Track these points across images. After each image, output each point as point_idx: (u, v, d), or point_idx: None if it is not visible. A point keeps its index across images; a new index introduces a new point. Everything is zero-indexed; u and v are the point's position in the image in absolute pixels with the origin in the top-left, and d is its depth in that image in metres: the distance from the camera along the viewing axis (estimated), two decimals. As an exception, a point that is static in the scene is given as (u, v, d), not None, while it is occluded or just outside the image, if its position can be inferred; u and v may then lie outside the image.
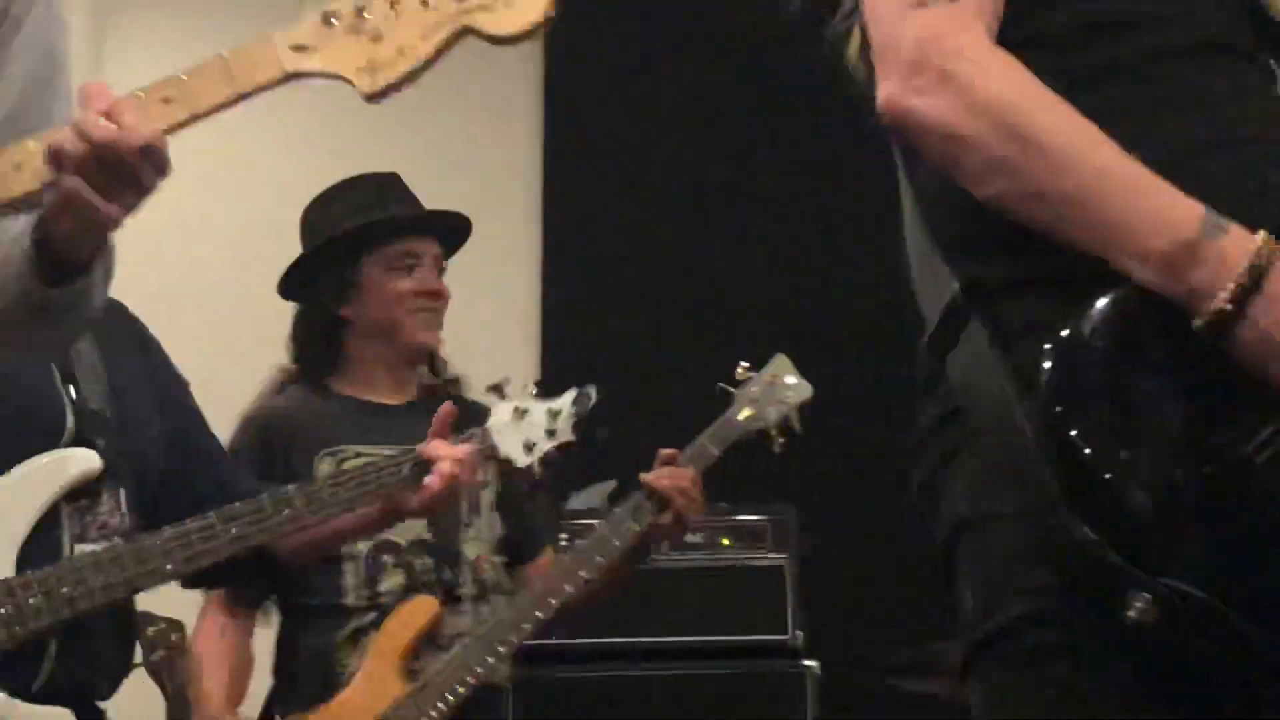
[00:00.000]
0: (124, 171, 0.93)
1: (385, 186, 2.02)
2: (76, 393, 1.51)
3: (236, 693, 1.87)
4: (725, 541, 2.45)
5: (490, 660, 1.78)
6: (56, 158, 0.93)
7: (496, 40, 0.95)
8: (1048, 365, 0.86)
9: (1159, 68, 0.93)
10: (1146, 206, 0.84)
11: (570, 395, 1.74)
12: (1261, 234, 0.83)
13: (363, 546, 1.84)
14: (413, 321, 1.92)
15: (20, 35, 1.09)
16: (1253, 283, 0.82)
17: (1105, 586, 0.83)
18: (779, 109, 3.34)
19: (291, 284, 1.99)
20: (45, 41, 1.09)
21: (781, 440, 2.02)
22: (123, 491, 1.53)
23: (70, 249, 0.99)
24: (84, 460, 1.46)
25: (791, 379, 2.05)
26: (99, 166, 0.92)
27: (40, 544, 1.42)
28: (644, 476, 1.93)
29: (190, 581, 1.66)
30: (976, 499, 0.93)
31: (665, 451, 1.96)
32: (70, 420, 1.48)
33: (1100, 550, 0.82)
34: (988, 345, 0.90)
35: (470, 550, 1.90)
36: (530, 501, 2.06)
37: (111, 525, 1.51)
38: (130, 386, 1.55)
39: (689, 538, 2.29)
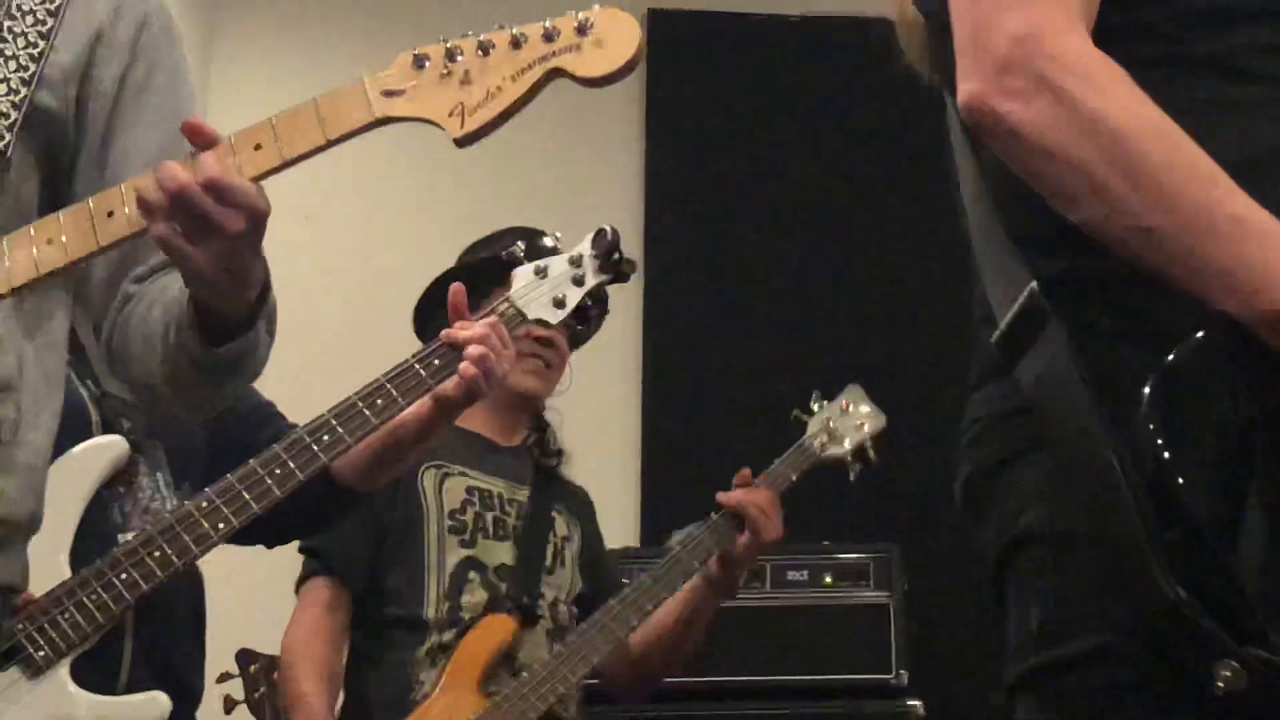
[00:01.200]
0: (205, 218, 0.91)
1: (526, 235, 1.91)
2: (95, 384, 1.49)
3: (332, 695, 1.85)
4: (828, 580, 2.44)
5: (562, 689, 1.75)
6: (143, 205, 0.93)
7: (587, 83, 0.94)
8: (1150, 398, 0.78)
9: (1270, 63, 0.86)
10: (1257, 259, 0.78)
11: (589, 237, 1.61)
12: None
13: (451, 559, 1.84)
14: (517, 366, 1.81)
15: (148, 104, 1.11)
16: None
17: (1192, 651, 0.77)
18: (861, 157, 3.42)
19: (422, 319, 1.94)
20: (175, 112, 1.08)
21: (858, 467, 2.01)
22: (160, 475, 1.52)
23: (222, 304, 0.98)
24: (113, 445, 1.43)
25: (865, 408, 2.05)
26: (181, 213, 0.91)
27: (89, 539, 1.38)
28: (721, 496, 1.91)
29: (250, 537, 1.52)
30: (1051, 511, 0.85)
31: (742, 472, 1.95)
32: (93, 411, 1.47)
33: (1195, 613, 0.76)
34: (1068, 352, 0.82)
35: (549, 593, 1.90)
36: (607, 562, 2.07)
37: (154, 509, 1.49)
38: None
39: (792, 575, 2.28)
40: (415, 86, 0.94)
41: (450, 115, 0.93)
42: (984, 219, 0.92)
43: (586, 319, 1.68)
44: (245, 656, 1.89)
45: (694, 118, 3.58)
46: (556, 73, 0.93)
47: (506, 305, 1.56)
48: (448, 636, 1.80)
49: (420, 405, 1.48)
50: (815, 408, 2.05)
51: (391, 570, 1.84)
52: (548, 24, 0.92)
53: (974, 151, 0.92)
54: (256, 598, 2.21)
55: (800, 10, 3.65)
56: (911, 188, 3.13)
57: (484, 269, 1.82)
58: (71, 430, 1.34)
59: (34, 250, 0.95)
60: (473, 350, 1.45)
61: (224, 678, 1.91)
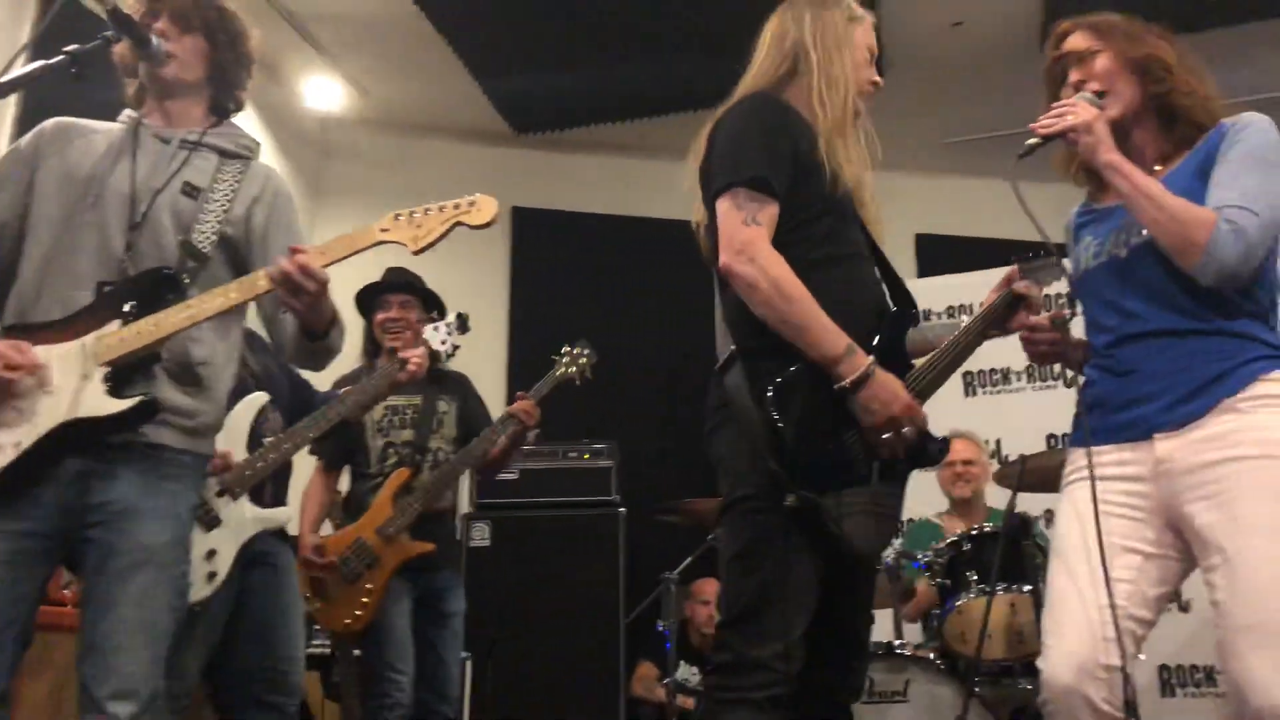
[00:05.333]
0: (301, 285, 1.85)
1: (399, 271, 3.56)
2: (251, 374, 2.81)
3: (318, 520, 3.37)
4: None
5: (435, 493, 3.31)
6: (271, 279, 1.87)
7: (472, 227, 1.89)
8: (770, 392, 1.82)
9: (838, 263, 1.93)
10: (827, 336, 1.81)
11: (453, 318, 3.11)
12: (870, 358, 1.81)
13: (379, 443, 3.41)
14: (383, 335, 3.45)
15: (278, 235, 2.07)
16: (863, 377, 1.80)
17: (780, 490, 1.78)
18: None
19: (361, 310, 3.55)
20: (289, 238, 2.06)
21: (577, 381, 3.52)
22: (276, 412, 2.87)
23: (312, 323, 1.99)
24: (260, 397, 2.68)
25: (588, 353, 3.55)
26: (288, 283, 1.86)
27: (253, 439, 2.62)
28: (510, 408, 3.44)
29: (314, 445, 3.08)
30: (730, 445, 1.91)
31: (521, 394, 3.45)
32: (251, 382, 2.77)
33: (780, 474, 1.78)
34: (743, 372, 1.87)
35: (433, 444, 3.45)
36: (477, 417, 3.56)
37: (275, 425, 2.82)
38: (274, 372, 3.00)
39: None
40: (395, 226, 1.92)
41: (410, 239, 1.91)
42: (727, 319, 1.97)
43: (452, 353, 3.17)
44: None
45: (546, 287, 5.98)
46: (458, 222, 1.90)
47: (426, 342, 3.08)
48: (378, 482, 3.36)
49: (390, 385, 3.01)
50: (564, 350, 3.58)
51: (356, 454, 3.47)
52: (458, 200, 1.91)
53: (722, 290, 1.95)
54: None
55: (634, 212, 6.10)
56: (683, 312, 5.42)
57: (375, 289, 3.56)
58: (242, 390, 2.59)
59: (218, 299, 1.91)
60: (414, 361, 2.95)
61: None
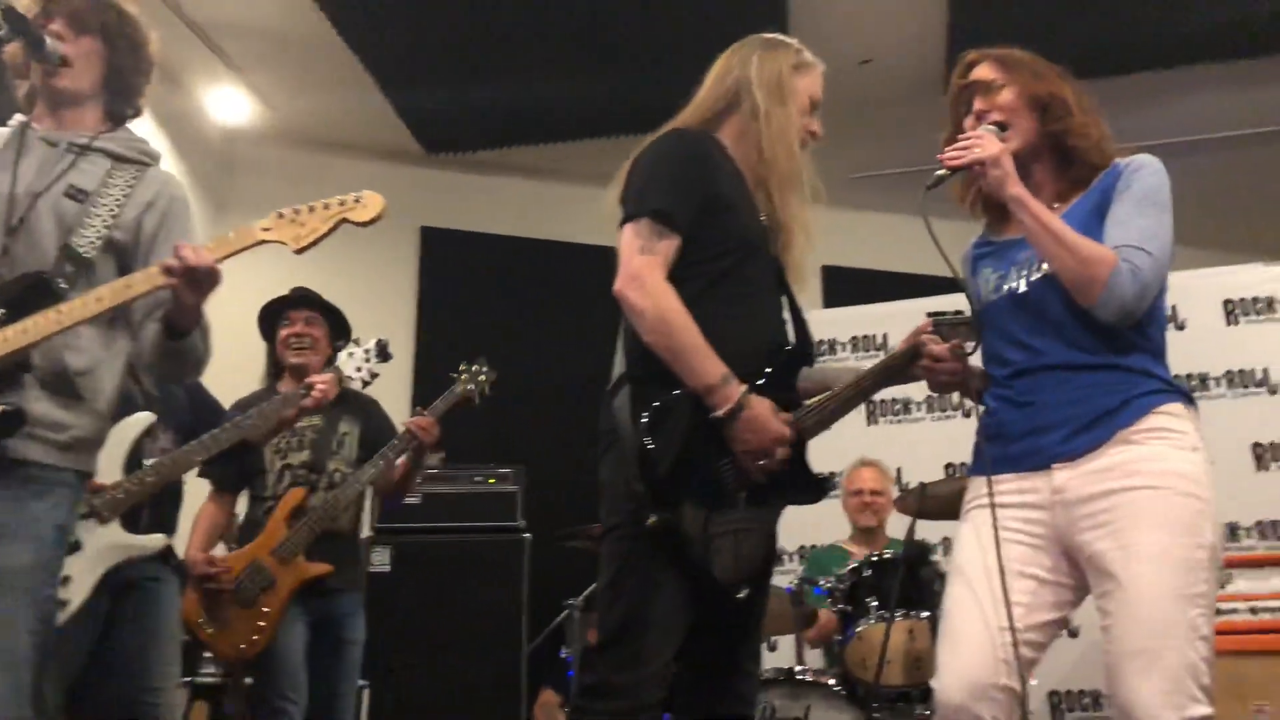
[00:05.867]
0: (196, 280, 1.78)
1: (302, 290, 3.56)
2: (140, 384, 2.67)
3: (210, 544, 3.26)
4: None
5: (334, 513, 3.23)
6: (166, 270, 1.78)
7: (358, 224, 1.83)
8: (645, 416, 1.89)
9: (737, 300, 1.98)
10: (704, 365, 1.88)
11: (373, 344, 3.12)
12: (744, 386, 1.87)
13: (279, 464, 3.32)
14: (287, 352, 3.42)
15: (168, 239, 1.92)
16: (739, 406, 1.86)
17: (643, 511, 1.84)
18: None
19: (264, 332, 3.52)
20: (182, 239, 1.90)
21: (476, 401, 3.48)
22: (167, 431, 2.77)
23: (180, 322, 1.87)
24: (147, 416, 2.62)
25: (486, 371, 3.52)
26: (186, 277, 1.77)
27: (132, 460, 2.57)
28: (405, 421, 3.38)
29: (204, 468, 3.02)
30: (611, 470, 1.95)
31: (418, 410, 3.39)
32: (140, 399, 2.65)
33: (643, 495, 1.83)
34: (629, 394, 1.92)
35: (331, 465, 3.37)
36: (382, 437, 3.47)
37: (165, 449, 2.73)
38: (174, 391, 2.90)
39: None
40: (277, 225, 1.85)
41: (292, 239, 1.84)
42: (623, 343, 2.02)
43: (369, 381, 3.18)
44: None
45: (454, 308, 5.94)
46: (344, 219, 1.84)
47: (337, 368, 3.12)
48: (272, 505, 3.28)
49: (293, 412, 3.00)
50: (462, 368, 3.54)
51: (254, 477, 3.37)
52: (341, 197, 1.85)
53: (623, 316, 2.00)
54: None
55: (544, 235, 6.11)
56: (592, 336, 5.39)
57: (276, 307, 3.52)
58: (129, 408, 2.59)
59: (89, 304, 1.82)
60: (319, 388, 2.99)
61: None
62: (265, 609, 3.12)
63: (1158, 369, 1.89)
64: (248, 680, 3.21)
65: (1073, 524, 1.82)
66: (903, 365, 2.09)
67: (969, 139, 1.94)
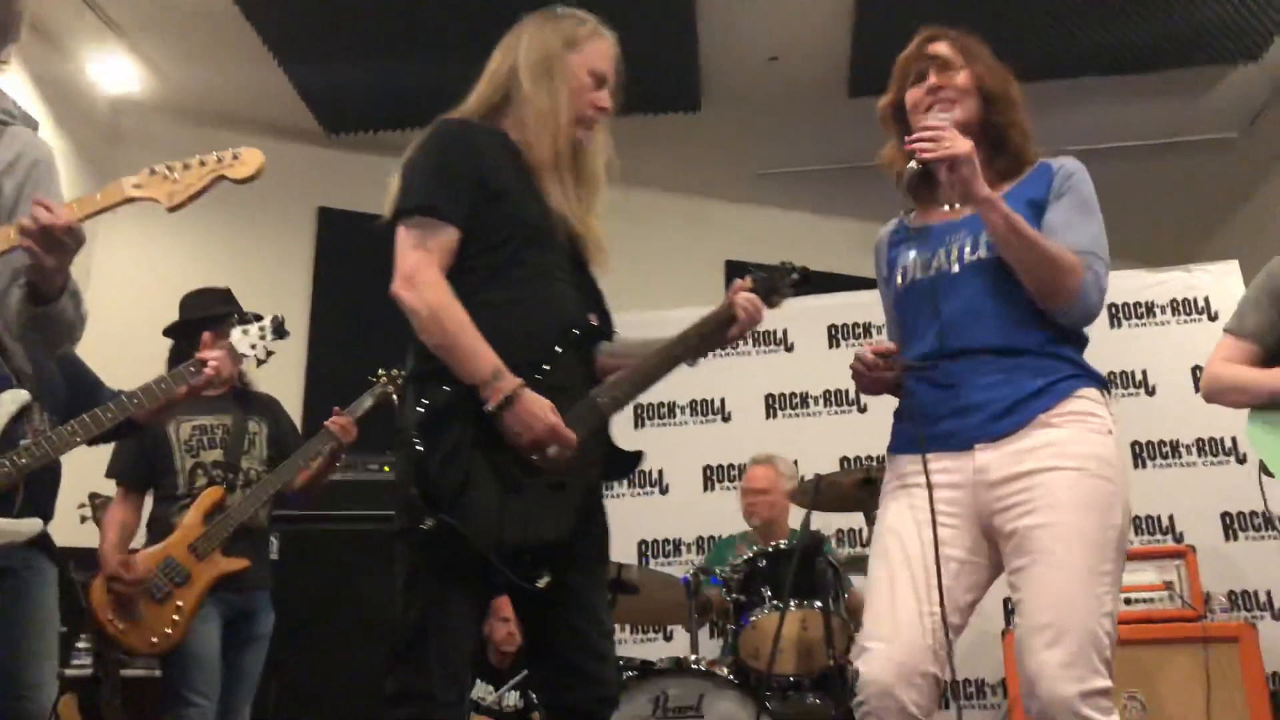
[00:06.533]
0: (55, 240, 1.67)
1: (222, 293, 3.50)
2: (13, 370, 2.38)
3: (124, 542, 3.22)
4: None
5: (251, 509, 3.24)
6: (22, 231, 1.67)
7: (236, 181, 1.76)
8: (420, 411, 1.85)
9: (523, 284, 1.94)
10: (475, 362, 1.84)
11: (269, 321, 2.85)
12: (518, 381, 1.82)
13: (190, 462, 3.29)
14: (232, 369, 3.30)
15: (30, 198, 1.78)
16: (507, 400, 1.81)
17: (419, 515, 1.79)
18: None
19: (171, 331, 3.40)
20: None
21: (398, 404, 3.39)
22: (44, 412, 2.47)
23: (46, 286, 1.75)
24: (21, 394, 2.33)
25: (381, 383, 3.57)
26: (42, 237, 1.67)
27: (4, 441, 2.29)
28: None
29: (113, 467, 3.17)
30: (397, 468, 1.94)
31: (337, 410, 3.40)
32: (13, 378, 2.36)
33: (416, 500, 1.79)
34: (412, 399, 1.88)
35: (245, 464, 3.38)
36: (288, 437, 3.51)
37: (40, 429, 2.43)
38: (50, 372, 2.59)
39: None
40: (149, 182, 1.77)
41: (166, 195, 1.77)
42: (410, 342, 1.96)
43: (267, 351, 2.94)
44: (94, 496, 3.45)
45: (351, 292, 5.59)
46: (221, 176, 1.77)
47: (230, 344, 2.80)
48: (186, 502, 3.26)
49: (184, 389, 2.59)
50: (381, 372, 3.58)
51: (163, 476, 3.33)
52: (218, 153, 1.65)
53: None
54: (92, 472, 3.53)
55: None
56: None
57: (213, 318, 3.34)
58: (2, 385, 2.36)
59: None
60: (212, 364, 2.60)
61: (82, 506, 3.37)
62: (180, 603, 3.14)
63: (1078, 356, 1.96)
64: (156, 672, 3.19)
65: (992, 503, 1.87)
66: (718, 327, 2.07)
67: (935, 131, 1.94)
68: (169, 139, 5.70)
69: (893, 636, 1.85)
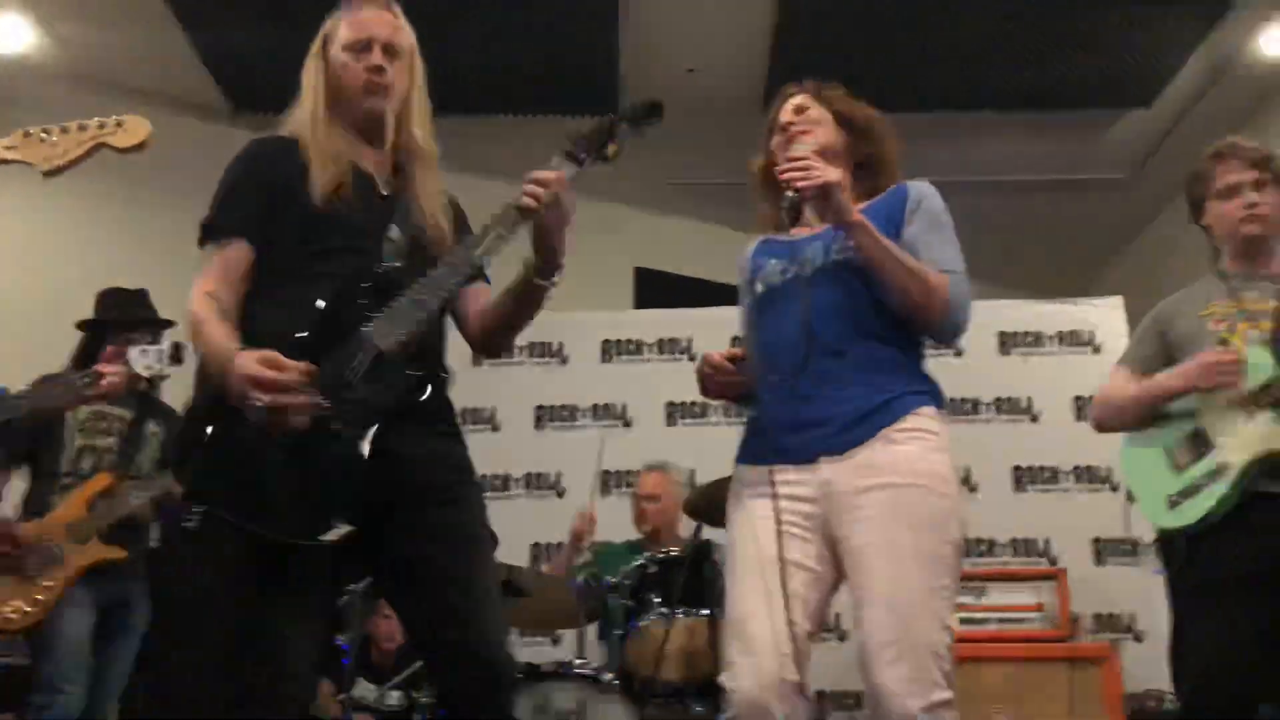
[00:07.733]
0: None
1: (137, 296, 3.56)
2: None
3: None
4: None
5: (135, 499, 3.24)
6: None
7: (118, 150, 1.67)
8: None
9: (298, 277, 1.93)
10: (217, 358, 1.81)
11: (167, 346, 2.79)
12: (233, 348, 1.78)
13: (80, 442, 3.33)
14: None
15: None
16: (226, 372, 1.76)
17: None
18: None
19: (85, 325, 3.42)
20: None
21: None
22: None
23: None
24: None
25: None
26: None
27: None
28: None
29: None
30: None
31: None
32: None
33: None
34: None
35: (139, 459, 3.41)
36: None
37: None
38: None
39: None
40: (25, 145, 1.68)
41: (42, 160, 1.67)
42: None
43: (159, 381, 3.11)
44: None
45: None
46: (101, 144, 1.68)
47: (127, 363, 2.71)
48: (68, 482, 3.28)
49: (73, 401, 2.80)
50: None
51: (45, 451, 3.34)
52: (101, 119, 1.58)
53: None
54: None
55: None
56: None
57: (124, 322, 3.41)
58: None
59: None
60: (107, 378, 2.66)
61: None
62: (47, 583, 3.07)
63: (918, 373, 2.04)
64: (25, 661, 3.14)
65: (836, 516, 1.90)
66: (510, 228, 2.00)
67: (805, 163, 1.99)
68: (63, 106, 5.38)
69: (753, 649, 1.87)
